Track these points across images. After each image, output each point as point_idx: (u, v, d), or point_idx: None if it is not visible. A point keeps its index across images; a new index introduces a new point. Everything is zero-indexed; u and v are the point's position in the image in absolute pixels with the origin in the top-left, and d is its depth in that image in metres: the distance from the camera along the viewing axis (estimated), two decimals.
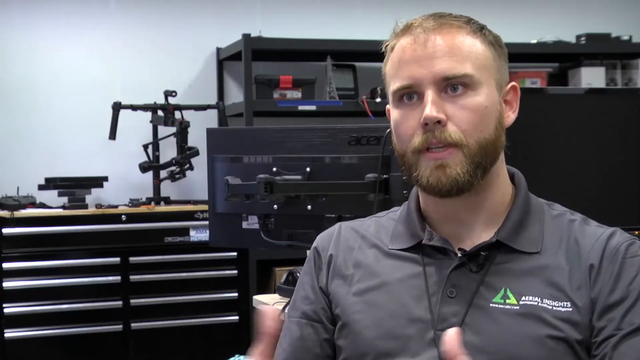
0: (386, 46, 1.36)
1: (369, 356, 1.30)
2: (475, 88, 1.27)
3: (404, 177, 2.10)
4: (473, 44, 1.29)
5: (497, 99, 1.31)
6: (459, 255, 1.30)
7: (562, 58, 4.86)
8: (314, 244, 1.45)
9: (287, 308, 2.20)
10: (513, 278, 1.28)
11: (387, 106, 1.37)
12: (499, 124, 1.30)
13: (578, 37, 4.82)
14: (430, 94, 1.26)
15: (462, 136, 1.26)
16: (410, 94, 1.29)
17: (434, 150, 1.27)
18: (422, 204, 1.38)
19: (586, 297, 1.25)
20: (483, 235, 1.31)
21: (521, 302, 1.25)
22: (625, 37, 4.83)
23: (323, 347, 1.37)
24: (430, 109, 1.25)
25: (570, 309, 1.24)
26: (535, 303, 1.25)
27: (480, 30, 1.31)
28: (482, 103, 1.27)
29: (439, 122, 1.25)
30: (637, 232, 2.30)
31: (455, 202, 1.31)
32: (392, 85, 1.32)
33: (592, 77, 4.73)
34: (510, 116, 1.35)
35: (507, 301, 1.26)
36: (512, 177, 1.38)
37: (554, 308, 1.24)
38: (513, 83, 1.36)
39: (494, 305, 1.26)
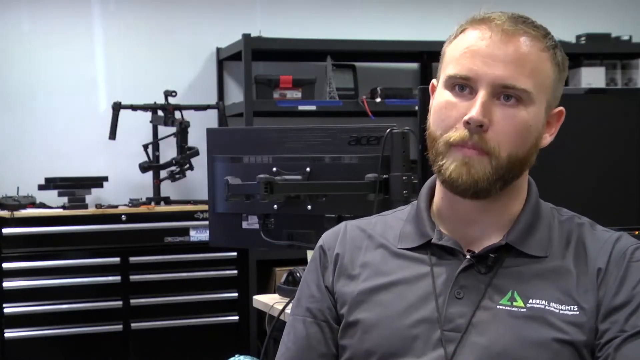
0: (459, 28, 1.32)
1: (374, 356, 1.29)
2: (527, 104, 1.26)
3: (403, 177, 2.10)
4: (542, 61, 1.28)
5: (542, 120, 1.30)
6: (468, 256, 1.30)
7: None
8: (320, 242, 1.44)
9: (290, 306, 2.21)
10: (521, 281, 1.28)
11: (433, 81, 1.35)
12: (535, 145, 1.30)
13: (578, 37, 4.82)
14: (482, 95, 1.25)
15: (497, 146, 1.25)
16: (463, 86, 1.27)
17: (466, 147, 1.26)
18: (436, 201, 1.37)
19: (593, 300, 1.25)
20: (492, 237, 1.31)
21: (528, 305, 1.25)
22: (625, 37, 4.84)
23: (328, 346, 1.36)
24: (477, 111, 1.24)
25: (577, 313, 1.24)
26: (543, 306, 1.25)
27: (553, 48, 1.31)
28: (527, 121, 1.26)
29: (481, 125, 1.24)
30: (637, 232, 2.29)
31: (470, 203, 1.31)
32: (450, 69, 1.29)
33: (592, 77, 4.73)
34: (547, 138, 1.34)
35: (515, 303, 1.26)
36: None
37: (561, 312, 1.24)
38: (561, 108, 1.35)
39: (501, 307, 1.26)
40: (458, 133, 1.26)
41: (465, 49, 1.28)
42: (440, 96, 1.30)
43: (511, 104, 1.26)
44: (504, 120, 1.25)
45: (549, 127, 1.34)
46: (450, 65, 1.29)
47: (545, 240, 1.31)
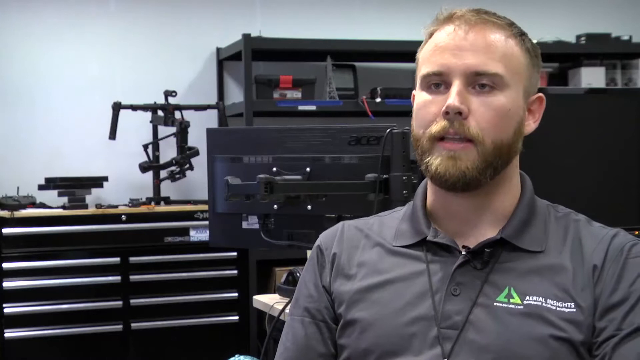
0: (426, 32, 1.35)
1: (372, 354, 1.30)
2: (502, 89, 1.28)
3: (403, 177, 2.10)
4: (510, 47, 1.30)
5: (521, 105, 1.31)
6: (463, 252, 1.30)
7: (562, 58, 4.86)
8: (317, 242, 1.45)
9: (288, 306, 2.20)
10: (517, 277, 1.28)
11: (414, 92, 1.37)
12: (518, 130, 1.31)
13: (578, 37, 4.82)
14: (457, 85, 1.27)
15: (479, 133, 1.26)
16: (438, 83, 1.29)
17: (449, 141, 1.27)
18: (429, 201, 1.38)
19: (590, 298, 1.25)
20: (488, 234, 1.32)
21: (525, 302, 1.25)
22: (625, 37, 4.84)
23: (327, 346, 1.37)
24: (454, 99, 1.26)
25: (574, 310, 1.24)
26: (539, 303, 1.25)
27: (520, 35, 1.32)
28: (505, 105, 1.28)
29: (460, 113, 1.26)
30: (637, 232, 2.29)
31: (463, 200, 1.31)
32: (423, 70, 1.31)
33: (592, 77, 4.73)
34: (531, 125, 1.35)
35: (511, 300, 1.26)
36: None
37: (558, 309, 1.24)
38: (540, 94, 1.36)
39: (497, 304, 1.26)
40: (438, 125, 1.28)
41: (435, 47, 1.30)
42: (418, 97, 1.32)
43: (486, 91, 1.27)
44: (481, 107, 1.27)
45: (532, 114, 1.35)
46: (423, 67, 1.32)
47: (541, 236, 1.31)
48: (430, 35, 1.33)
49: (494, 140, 1.27)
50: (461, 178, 1.27)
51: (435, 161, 1.28)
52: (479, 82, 1.27)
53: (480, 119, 1.27)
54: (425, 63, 1.31)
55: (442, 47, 1.29)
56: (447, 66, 1.28)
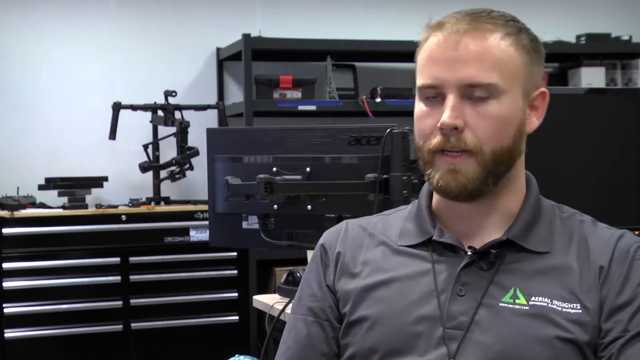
0: (419, 38, 1.33)
1: (377, 353, 1.29)
2: (498, 97, 1.26)
3: (403, 177, 2.10)
4: (504, 50, 1.27)
5: (520, 107, 1.29)
6: (469, 253, 1.30)
7: (562, 58, 4.86)
8: (321, 240, 1.44)
9: (288, 307, 2.20)
10: (523, 278, 1.28)
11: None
12: (519, 132, 1.29)
13: (578, 37, 4.82)
14: (451, 99, 1.25)
15: (477, 144, 1.26)
16: (433, 95, 1.28)
17: (448, 154, 1.27)
18: (434, 203, 1.38)
19: (596, 299, 1.25)
20: (494, 234, 1.31)
21: (531, 303, 1.25)
22: (625, 37, 4.83)
23: (330, 345, 1.36)
24: (448, 116, 1.25)
25: (580, 311, 1.24)
26: (545, 304, 1.25)
27: (516, 33, 1.29)
28: (502, 112, 1.26)
29: (455, 128, 1.25)
30: (637, 232, 2.29)
31: (468, 205, 1.31)
32: (419, 80, 1.31)
33: (592, 77, 4.73)
34: (534, 122, 1.33)
35: (517, 301, 1.26)
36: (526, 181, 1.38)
37: (564, 309, 1.24)
38: (543, 89, 1.34)
39: (503, 304, 1.26)
40: (436, 139, 1.27)
41: (428, 58, 1.29)
42: (417, 107, 1.32)
43: (482, 100, 1.26)
44: (478, 118, 1.26)
45: (535, 110, 1.33)
46: (419, 76, 1.31)
47: (547, 236, 1.31)
48: (425, 39, 1.31)
49: (493, 149, 1.26)
50: (462, 190, 1.27)
51: (436, 175, 1.28)
52: (474, 93, 1.26)
53: (477, 131, 1.26)
54: (421, 73, 1.30)
55: (433, 58, 1.28)
56: (440, 79, 1.26)
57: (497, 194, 1.31)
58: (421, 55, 1.31)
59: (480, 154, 1.26)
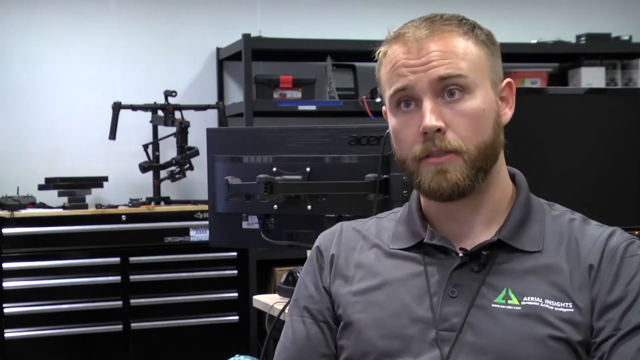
0: (378, 53, 1.35)
1: (370, 356, 1.30)
2: (471, 91, 1.27)
3: (403, 177, 2.10)
4: (466, 47, 1.28)
5: (493, 99, 1.31)
6: (461, 254, 1.30)
7: (562, 58, 4.86)
8: (316, 243, 1.45)
9: (287, 307, 2.20)
10: (515, 278, 1.28)
11: (384, 107, 1.37)
12: (497, 124, 1.30)
13: (578, 37, 4.82)
14: (427, 102, 1.26)
15: (461, 143, 1.26)
16: (407, 100, 1.29)
17: (434, 157, 1.27)
18: (424, 204, 1.38)
19: (587, 297, 1.25)
20: (484, 234, 1.32)
21: (523, 303, 1.25)
22: (625, 37, 4.83)
23: (329, 347, 1.37)
24: (429, 118, 1.25)
25: (572, 310, 1.24)
26: (537, 303, 1.25)
27: (472, 30, 1.31)
28: (479, 107, 1.27)
29: (438, 130, 1.25)
30: (637, 232, 2.29)
31: (457, 206, 1.31)
32: (388, 91, 1.31)
33: (592, 77, 4.73)
34: (507, 113, 1.35)
35: (509, 301, 1.26)
36: (512, 178, 1.38)
37: (556, 309, 1.24)
38: (508, 79, 1.35)
39: (495, 305, 1.26)
40: (420, 146, 1.27)
41: (393, 67, 1.30)
42: (392, 121, 1.33)
43: (457, 98, 1.27)
44: (456, 117, 1.26)
45: (505, 101, 1.35)
46: (387, 87, 1.31)
47: (538, 235, 1.31)
48: (385, 54, 1.33)
49: (477, 145, 1.27)
50: (455, 189, 1.27)
51: (425, 179, 1.28)
52: (447, 87, 1.26)
53: (458, 129, 1.26)
54: (388, 83, 1.31)
55: (399, 64, 1.28)
56: (412, 83, 1.27)
57: (483, 190, 1.31)
58: (385, 69, 1.32)
59: (466, 152, 1.26)
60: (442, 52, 1.27)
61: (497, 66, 1.33)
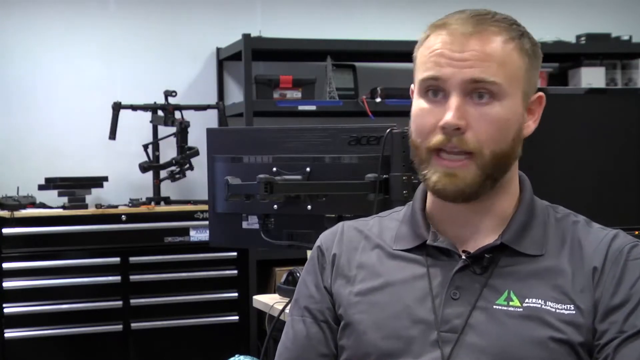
0: (424, 33, 1.33)
1: (371, 357, 1.29)
2: (500, 99, 1.26)
3: (403, 177, 2.10)
4: (508, 54, 1.27)
5: (520, 111, 1.30)
6: (464, 257, 1.30)
7: (562, 58, 4.86)
8: (317, 242, 1.44)
9: (288, 307, 2.20)
10: (517, 280, 1.28)
11: (412, 86, 1.35)
12: (517, 136, 1.30)
13: (578, 37, 4.82)
14: (455, 98, 1.25)
15: (478, 146, 1.25)
16: (436, 90, 1.28)
17: (446, 157, 1.26)
18: (428, 205, 1.37)
19: (589, 300, 1.25)
20: (487, 237, 1.31)
21: (525, 305, 1.25)
22: (625, 37, 4.83)
23: (330, 347, 1.36)
24: (452, 115, 1.24)
25: (574, 312, 1.24)
26: (539, 305, 1.25)
27: (519, 37, 1.29)
28: (504, 115, 1.26)
29: (457, 128, 1.25)
30: (637, 232, 2.29)
31: (462, 207, 1.31)
32: (421, 73, 1.29)
33: (592, 77, 4.73)
34: (531, 126, 1.33)
35: (511, 303, 1.26)
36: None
37: (558, 311, 1.24)
38: (540, 94, 1.34)
39: (497, 307, 1.26)
40: (436, 138, 1.26)
41: (430, 53, 1.28)
42: (416, 104, 1.31)
43: (485, 101, 1.26)
44: (480, 119, 1.25)
45: (531, 114, 1.34)
46: (419, 70, 1.30)
47: (541, 239, 1.31)
48: (427, 36, 1.31)
49: (493, 151, 1.26)
50: (460, 194, 1.27)
51: (433, 176, 1.28)
52: (478, 90, 1.25)
53: (479, 132, 1.25)
54: (422, 67, 1.29)
55: (438, 54, 1.27)
56: (445, 73, 1.26)
57: (492, 196, 1.31)
58: (423, 52, 1.30)
59: (480, 156, 1.25)
60: (482, 54, 1.25)
61: (534, 78, 1.32)
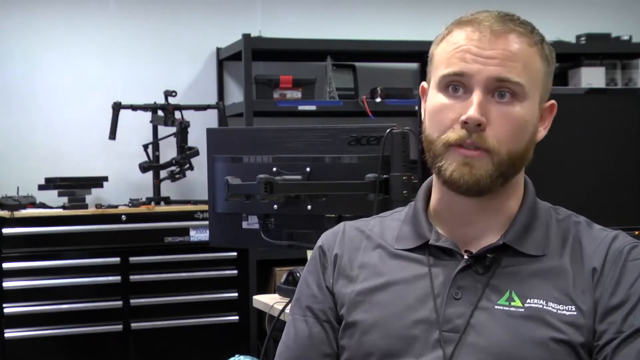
0: (445, 28, 1.32)
1: (373, 356, 1.29)
2: (522, 100, 1.27)
3: (403, 177, 2.10)
4: (532, 56, 1.28)
5: (536, 114, 1.31)
6: (466, 257, 1.30)
7: (562, 58, 4.85)
8: (319, 242, 1.44)
9: (289, 306, 2.20)
10: (518, 281, 1.28)
11: (423, 84, 1.35)
12: (532, 139, 1.31)
13: (578, 37, 4.82)
14: (478, 94, 1.25)
15: (496, 144, 1.25)
16: (457, 85, 1.28)
17: (465, 148, 1.26)
18: (433, 204, 1.37)
19: (590, 300, 1.25)
20: (490, 237, 1.32)
21: (526, 305, 1.25)
22: (625, 37, 4.83)
23: (331, 346, 1.36)
24: (475, 110, 1.24)
25: (575, 313, 1.24)
26: (540, 306, 1.25)
27: (540, 42, 1.30)
28: (523, 116, 1.27)
29: (479, 125, 1.25)
30: (637, 232, 2.30)
31: (471, 203, 1.31)
32: (442, 69, 1.29)
33: (592, 77, 4.73)
34: (542, 132, 1.35)
35: (512, 303, 1.26)
36: None
37: (559, 311, 1.24)
38: (553, 101, 1.36)
39: (499, 307, 1.26)
40: (456, 133, 1.26)
41: (455, 48, 1.28)
42: (434, 99, 1.30)
43: (506, 100, 1.26)
44: (500, 118, 1.26)
45: (543, 121, 1.35)
46: (441, 66, 1.29)
47: (543, 239, 1.31)
48: (450, 32, 1.31)
49: (509, 150, 1.26)
50: (475, 185, 1.27)
51: (450, 167, 1.27)
52: (500, 89, 1.26)
53: (498, 130, 1.26)
54: (445, 62, 1.29)
55: (464, 49, 1.27)
56: (470, 69, 1.26)
57: (500, 196, 1.31)
58: (445, 47, 1.30)
59: (497, 154, 1.26)
60: (510, 53, 1.26)
61: (549, 85, 1.33)
